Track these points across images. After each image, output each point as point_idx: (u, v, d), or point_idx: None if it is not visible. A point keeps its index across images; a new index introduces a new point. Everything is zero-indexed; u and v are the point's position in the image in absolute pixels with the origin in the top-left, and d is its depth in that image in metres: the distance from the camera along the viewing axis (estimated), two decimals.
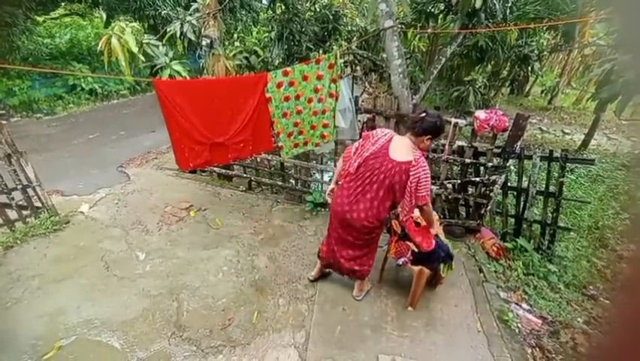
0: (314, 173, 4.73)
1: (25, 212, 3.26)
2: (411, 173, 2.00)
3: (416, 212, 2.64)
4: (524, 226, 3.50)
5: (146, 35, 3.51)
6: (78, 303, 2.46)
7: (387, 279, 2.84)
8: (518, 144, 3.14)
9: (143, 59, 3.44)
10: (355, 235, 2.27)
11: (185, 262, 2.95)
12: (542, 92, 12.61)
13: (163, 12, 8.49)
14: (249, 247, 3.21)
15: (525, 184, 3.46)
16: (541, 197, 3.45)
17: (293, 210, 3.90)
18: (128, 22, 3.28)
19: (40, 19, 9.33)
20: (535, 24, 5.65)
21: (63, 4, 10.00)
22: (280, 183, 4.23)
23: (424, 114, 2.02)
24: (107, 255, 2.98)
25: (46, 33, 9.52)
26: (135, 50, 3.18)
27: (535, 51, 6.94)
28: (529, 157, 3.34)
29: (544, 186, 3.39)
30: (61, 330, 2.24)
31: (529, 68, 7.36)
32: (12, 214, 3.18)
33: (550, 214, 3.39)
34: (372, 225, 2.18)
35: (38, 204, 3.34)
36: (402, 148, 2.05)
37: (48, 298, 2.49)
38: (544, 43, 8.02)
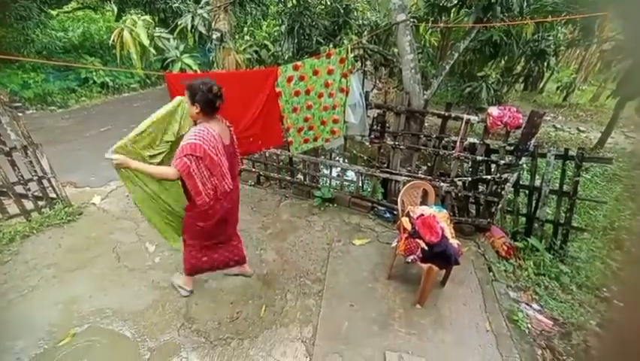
0: (322, 168, 4.71)
1: (40, 202, 3.34)
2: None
3: (419, 209, 2.62)
4: (536, 225, 3.43)
5: (157, 28, 3.53)
6: (91, 292, 2.52)
7: (396, 276, 2.83)
8: (532, 141, 3.06)
9: (154, 52, 3.45)
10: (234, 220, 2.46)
11: None
12: (558, 88, 12.27)
13: (174, 5, 8.53)
14: (258, 241, 3.23)
15: (538, 183, 3.38)
16: (554, 196, 3.37)
17: (301, 206, 3.91)
18: (139, 15, 3.29)
19: (53, 12, 9.46)
20: (552, 17, 5.47)
21: None
22: (288, 178, 4.23)
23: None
24: (118, 246, 3.04)
25: (60, 26, 9.65)
26: (146, 43, 3.20)
27: (552, 46, 6.74)
28: (543, 155, 3.26)
29: (557, 184, 3.31)
30: (75, 318, 2.30)
31: (545, 64, 7.16)
32: (28, 205, 3.26)
33: (563, 214, 3.31)
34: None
35: (53, 195, 3.42)
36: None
37: (63, 287, 2.55)
38: (562, 38, 7.78)
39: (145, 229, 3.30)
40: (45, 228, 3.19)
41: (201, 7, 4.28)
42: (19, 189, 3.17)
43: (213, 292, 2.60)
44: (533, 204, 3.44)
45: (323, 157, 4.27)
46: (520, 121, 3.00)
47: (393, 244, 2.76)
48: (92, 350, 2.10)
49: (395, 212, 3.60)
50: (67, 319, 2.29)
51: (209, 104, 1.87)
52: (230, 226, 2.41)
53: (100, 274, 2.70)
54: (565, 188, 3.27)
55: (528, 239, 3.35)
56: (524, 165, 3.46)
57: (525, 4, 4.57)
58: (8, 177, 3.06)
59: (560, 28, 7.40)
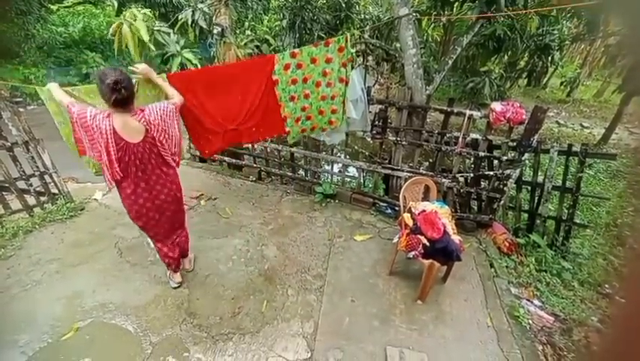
0: (324, 164, 4.70)
1: (42, 198, 3.35)
2: (153, 131, 1.98)
3: (420, 205, 2.61)
4: (538, 221, 3.42)
5: (157, 23, 3.50)
6: (94, 287, 2.53)
7: (397, 272, 2.83)
8: (535, 137, 3.04)
9: (152, 47, 3.42)
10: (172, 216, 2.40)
11: (196, 251, 2.99)
12: (562, 83, 12.16)
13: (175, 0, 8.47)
14: (259, 236, 3.24)
15: (540, 179, 3.36)
16: (557, 192, 3.36)
17: (302, 201, 3.90)
18: (139, 9, 3.26)
19: (54, 7, 9.41)
20: (557, 9, 5.40)
21: None
22: (290, 174, 4.23)
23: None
24: (120, 241, 3.05)
25: (60, 21, 9.61)
26: (146, 37, 3.16)
27: (557, 40, 6.66)
28: (546, 151, 3.24)
29: (560, 181, 3.29)
30: (78, 312, 2.31)
31: (549, 59, 7.08)
32: (30, 200, 3.28)
33: (566, 210, 3.30)
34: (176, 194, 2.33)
35: (55, 190, 3.43)
36: (129, 128, 1.92)
37: (66, 282, 2.57)
38: (566, 32, 7.68)
39: None
40: (47, 223, 3.21)
41: (202, 2, 4.24)
42: (21, 184, 3.18)
43: (215, 287, 2.61)
44: (536, 201, 3.43)
45: (324, 153, 4.26)
46: (524, 117, 2.98)
47: (395, 240, 2.76)
48: (95, 344, 2.11)
49: (397, 208, 3.59)
50: (71, 313, 2.31)
51: (105, 96, 1.78)
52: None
53: (102, 269, 2.72)
54: (568, 184, 3.25)
55: (530, 235, 3.34)
56: (527, 161, 3.44)
57: None
58: (10, 173, 3.06)
59: (564, 22, 7.30)
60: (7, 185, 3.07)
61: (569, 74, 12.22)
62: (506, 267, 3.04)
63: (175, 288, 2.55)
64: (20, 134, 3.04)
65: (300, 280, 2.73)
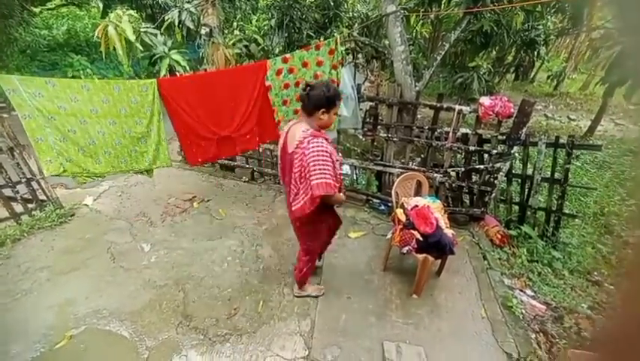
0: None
1: (30, 205, 3.28)
2: (295, 157, 1.80)
3: (413, 201, 2.63)
4: (529, 213, 3.48)
5: (143, 24, 3.45)
6: (87, 294, 2.49)
7: (392, 267, 2.86)
8: (523, 130, 3.09)
9: (141, 48, 3.37)
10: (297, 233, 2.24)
11: (190, 253, 2.97)
12: (548, 77, 12.38)
13: (160, 0, 8.34)
14: (253, 237, 3.23)
15: (530, 171, 3.42)
16: (546, 184, 3.42)
17: None
18: (124, 10, 3.21)
19: (36, 10, 9.18)
20: (542, 3, 5.48)
21: None
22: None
23: (308, 88, 1.78)
24: (112, 247, 3.01)
25: (43, 24, 9.38)
26: (132, 38, 3.12)
27: (542, 35, 6.77)
28: (535, 144, 3.30)
29: (549, 173, 3.35)
30: (71, 320, 2.28)
31: (535, 53, 7.20)
32: (18, 208, 3.20)
33: (555, 201, 3.36)
34: (298, 221, 2.07)
35: (43, 197, 3.36)
36: (293, 136, 1.84)
37: (57, 290, 2.52)
38: (551, 27, 7.81)
39: (139, 229, 3.28)
40: (36, 231, 3.14)
41: (188, 2, 4.19)
42: (7, 191, 3.10)
43: (210, 288, 2.60)
44: (526, 193, 3.49)
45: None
46: (512, 110, 3.02)
47: (388, 236, 2.78)
48: (90, 351, 2.08)
49: (390, 204, 3.61)
50: (63, 321, 2.27)
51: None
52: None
53: (95, 275, 2.68)
54: (556, 176, 3.32)
55: (521, 227, 3.40)
56: (516, 154, 3.50)
57: None
58: None
59: (549, 17, 7.42)
60: None
61: (555, 68, 12.44)
62: (499, 259, 3.09)
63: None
64: (4, 140, 2.97)
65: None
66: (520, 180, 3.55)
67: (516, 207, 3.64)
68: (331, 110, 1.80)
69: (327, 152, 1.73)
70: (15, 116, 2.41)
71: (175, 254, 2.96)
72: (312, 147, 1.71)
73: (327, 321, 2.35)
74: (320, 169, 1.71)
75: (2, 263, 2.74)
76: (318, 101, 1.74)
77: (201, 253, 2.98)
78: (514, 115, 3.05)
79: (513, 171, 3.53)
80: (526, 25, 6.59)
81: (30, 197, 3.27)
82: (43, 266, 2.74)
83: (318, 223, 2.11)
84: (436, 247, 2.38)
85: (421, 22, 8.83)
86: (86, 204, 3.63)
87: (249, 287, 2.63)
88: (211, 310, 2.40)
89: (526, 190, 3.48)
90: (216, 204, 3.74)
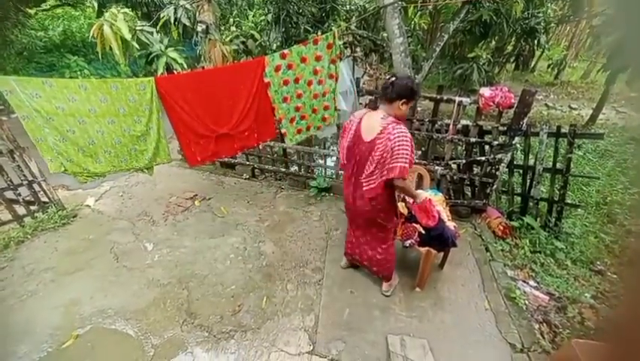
0: (317, 158, 4.69)
1: (32, 207, 3.29)
2: (377, 144, 1.88)
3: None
4: (531, 204, 3.47)
5: (139, 22, 3.42)
6: (91, 294, 2.51)
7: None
8: (525, 120, 3.06)
9: (137, 46, 3.35)
10: (364, 225, 2.29)
11: (193, 251, 2.98)
12: (549, 66, 12.24)
13: None
14: (255, 234, 3.23)
15: (531, 162, 3.40)
16: (548, 174, 3.40)
17: (297, 197, 3.90)
18: (119, 9, 3.18)
19: (31, 11, 9.12)
20: None
21: None
22: (283, 170, 4.21)
23: (393, 78, 1.88)
24: (115, 247, 3.02)
25: (39, 26, 9.33)
26: (128, 37, 3.09)
27: (542, 23, 6.69)
28: (536, 134, 3.27)
29: (551, 163, 3.33)
30: (77, 320, 2.30)
31: (536, 42, 7.12)
32: (20, 210, 3.22)
33: (557, 191, 3.35)
34: (372, 210, 2.12)
35: (45, 199, 3.37)
36: (371, 124, 1.94)
37: (62, 290, 2.54)
38: (551, 15, 7.71)
39: (142, 228, 3.29)
40: (40, 232, 3.16)
41: None
42: (9, 194, 3.11)
43: (214, 286, 2.61)
44: (528, 184, 3.47)
45: (317, 147, 4.25)
46: (513, 101, 2.99)
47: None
48: (97, 350, 2.11)
49: None
50: (69, 321, 2.29)
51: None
52: (357, 230, 2.40)
53: (99, 276, 2.69)
54: (558, 166, 3.30)
55: (523, 218, 3.39)
56: (518, 145, 3.48)
57: None
58: None
59: (549, 4, 7.32)
60: None
61: (556, 56, 12.30)
62: (501, 250, 3.09)
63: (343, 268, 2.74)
64: (4, 143, 2.97)
65: (299, 275, 2.74)
66: (521, 171, 3.53)
67: (518, 199, 3.63)
68: (410, 103, 1.91)
69: (409, 138, 1.83)
70: (15, 119, 2.41)
71: (178, 253, 2.97)
72: (397, 133, 1.81)
73: (330, 316, 2.37)
74: (401, 154, 1.81)
75: (7, 265, 2.76)
76: (404, 90, 1.84)
77: (204, 251, 2.99)
78: (515, 105, 3.02)
79: (514, 162, 3.51)
80: (526, 13, 6.51)
81: (32, 199, 3.28)
82: (48, 267, 2.75)
83: (393, 203, 2.17)
84: (439, 240, 2.38)
85: (419, 13, 8.73)
86: (87, 205, 3.64)
87: (253, 284, 2.64)
88: (215, 308, 2.42)
89: (528, 181, 3.47)
90: (218, 202, 3.74)
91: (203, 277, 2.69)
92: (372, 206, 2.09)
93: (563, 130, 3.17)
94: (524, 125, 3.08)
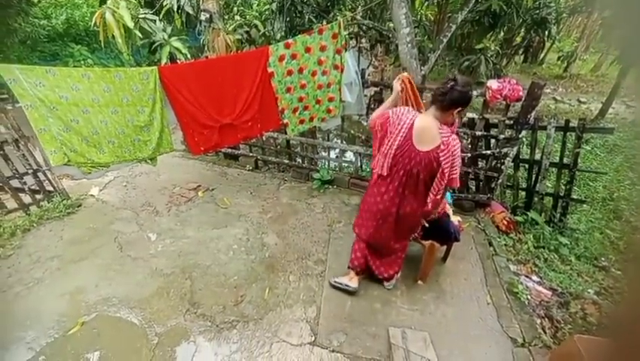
0: (320, 150, 4.66)
1: (38, 196, 3.32)
2: (442, 159, 1.80)
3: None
4: (536, 199, 3.43)
5: (142, 10, 3.37)
6: (96, 282, 2.54)
7: None
8: (532, 114, 3.01)
9: (140, 35, 3.31)
10: (398, 231, 2.20)
11: (196, 242, 3.00)
12: (559, 58, 11.98)
13: None
14: (258, 225, 3.24)
15: (538, 156, 3.35)
16: (554, 169, 3.35)
17: (300, 189, 3.89)
18: None
19: None
20: None
21: None
22: (287, 162, 4.20)
23: (452, 83, 1.72)
24: (119, 236, 3.04)
25: (42, 14, 9.26)
26: (131, 25, 3.06)
27: (554, 14, 6.50)
28: (544, 128, 3.22)
29: (558, 157, 3.28)
30: (82, 307, 2.33)
31: (546, 33, 6.94)
32: (26, 199, 3.24)
33: (563, 186, 3.30)
34: (418, 219, 2.15)
35: (50, 188, 3.39)
36: (426, 134, 1.81)
37: (68, 278, 2.58)
38: (563, 5, 7.50)
39: (145, 218, 3.31)
40: (45, 221, 3.19)
41: None
42: (15, 183, 3.14)
43: (216, 276, 2.63)
44: (533, 178, 3.43)
45: (321, 139, 4.21)
46: (520, 93, 2.93)
47: None
48: (102, 337, 2.14)
49: None
50: (75, 308, 2.32)
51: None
52: (385, 239, 2.26)
53: (104, 264, 2.73)
54: (565, 160, 3.25)
55: (528, 213, 3.36)
56: (524, 139, 3.42)
57: None
58: (2, 172, 3.02)
59: None
60: (0, 184, 3.03)
61: (566, 48, 12.02)
62: (505, 245, 3.08)
63: (351, 292, 2.44)
64: (9, 132, 2.98)
65: (301, 267, 2.75)
66: (527, 166, 3.49)
67: (523, 193, 3.59)
68: (463, 110, 1.91)
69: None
70: (19, 108, 2.40)
71: (181, 243, 2.99)
72: (457, 147, 1.81)
73: (332, 308, 2.38)
74: (457, 165, 1.85)
75: (14, 253, 2.80)
76: (464, 99, 1.74)
77: (207, 241, 3.01)
78: (523, 98, 2.96)
79: (520, 156, 3.46)
80: (537, 2, 6.33)
81: (37, 188, 3.30)
82: (54, 255, 2.79)
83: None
84: (443, 234, 2.37)
85: (427, 3, 8.54)
86: (92, 195, 3.67)
87: (255, 275, 2.66)
88: (218, 298, 2.44)
89: (534, 175, 3.42)
90: (221, 193, 3.75)
91: (206, 268, 2.71)
92: (418, 216, 2.11)
93: (571, 124, 3.11)
94: (532, 118, 3.03)
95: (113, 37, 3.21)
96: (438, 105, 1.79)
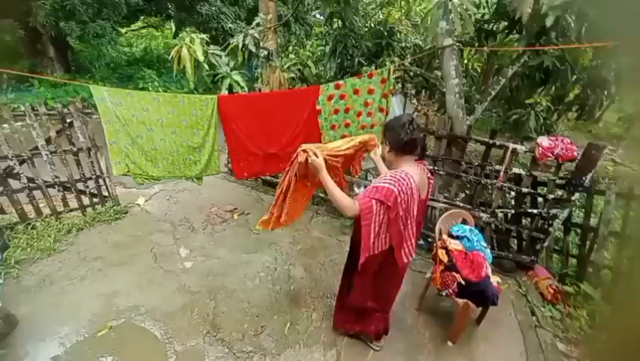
0: (355, 187, 4.68)
1: (95, 199, 3.65)
2: (431, 181, 1.94)
3: (452, 242, 2.46)
4: (590, 269, 3.09)
5: (210, 46, 3.84)
6: (129, 289, 2.67)
7: (426, 307, 2.68)
8: (588, 177, 2.82)
9: (207, 67, 3.72)
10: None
11: (225, 263, 3.06)
12: (619, 119, 11.23)
13: (226, 25, 9.19)
14: (287, 255, 3.25)
15: (593, 222, 3.07)
16: (613, 239, 3.03)
17: (332, 224, 3.88)
18: (197, 34, 3.60)
19: (123, 30, 10.64)
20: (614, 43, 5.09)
21: (142, 17, 11.31)
22: (321, 195, 4.25)
23: (413, 129, 1.64)
24: (155, 247, 3.21)
25: (126, 42, 10.83)
26: (202, 59, 3.46)
27: (613, 73, 6.23)
28: (602, 193, 2.97)
29: (619, 227, 2.98)
30: (113, 311, 2.44)
31: (605, 93, 6.63)
32: (85, 200, 3.58)
33: (626, 260, 2.96)
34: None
35: (106, 193, 3.73)
36: (422, 180, 1.80)
37: (106, 280, 2.73)
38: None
39: (181, 233, 3.47)
40: (96, 223, 3.48)
41: (252, 28, 4.58)
42: (79, 186, 3.50)
43: (240, 302, 2.63)
44: (587, 246, 3.12)
45: (357, 177, 4.24)
46: (575, 153, 2.79)
47: (428, 275, 2.63)
48: (125, 345, 2.20)
49: (430, 240, 3.45)
50: (107, 311, 2.44)
51: (398, 142, 1.66)
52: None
53: (138, 272, 2.86)
54: (628, 231, 2.93)
55: (580, 284, 3.02)
56: (577, 202, 3.17)
57: (584, 29, 4.32)
58: (73, 175, 3.40)
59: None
60: (69, 185, 3.40)
61: (629, 109, 11.29)
62: (551, 317, 2.76)
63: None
64: (85, 141, 3.38)
65: (325, 306, 2.67)
66: (580, 231, 3.20)
67: (573, 261, 3.26)
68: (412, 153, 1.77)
69: None
70: (94, 120, 2.75)
71: (211, 263, 3.07)
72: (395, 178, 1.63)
73: (353, 356, 2.25)
74: (376, 183, 1.69)
75: (66, 249, 3.05)
76: (395, 141, 1.70)
77: (236, 265, 3.06)
78: (578, 158, 2.80)
79: (572, 220, 3.20)
80: (596, 62, 6.14)
81: (96, 192, 3.65)
82: (97, 256, 2.99)
83: None
84: (480, 295, 2.20)
85: (475, 55, 8.65)
86: (138, 204, 3.95)
87: (278, 307, 2.62)
88: (239, 325, 2.42)
89: (588, 243, 3.12)
90: (255, 218, 3.85)
91: (231, 291, 2.73)
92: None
93: (637, 191, 2.84)
94: (587, 181, 2.83)
95: (184, 67, 3.64)
96: (405, 155, 1.72)
